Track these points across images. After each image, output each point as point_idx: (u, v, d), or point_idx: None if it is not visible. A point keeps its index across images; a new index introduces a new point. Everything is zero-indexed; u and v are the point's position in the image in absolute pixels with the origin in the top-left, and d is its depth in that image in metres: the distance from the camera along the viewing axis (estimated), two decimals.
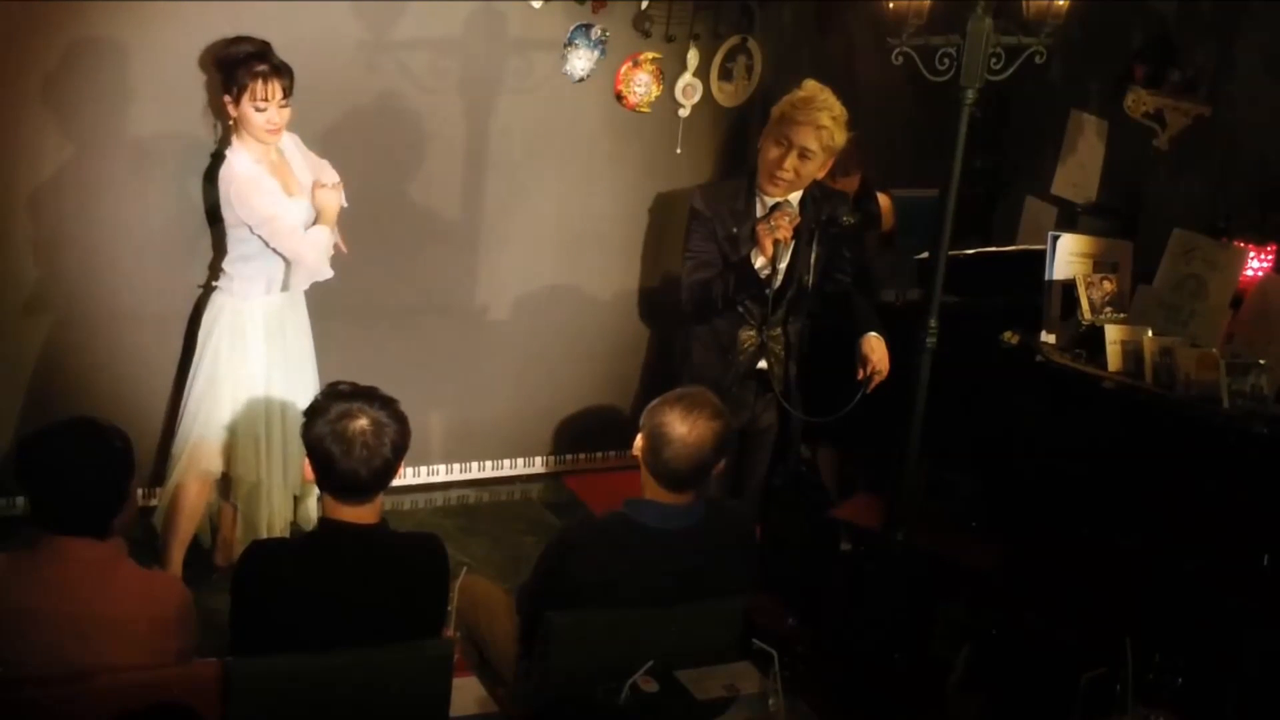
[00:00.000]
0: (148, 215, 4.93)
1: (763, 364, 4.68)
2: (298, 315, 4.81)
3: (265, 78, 4.47)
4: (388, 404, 3.35)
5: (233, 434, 4.68)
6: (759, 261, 4.48)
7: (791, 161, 4.42)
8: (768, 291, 4.54)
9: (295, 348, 4.79)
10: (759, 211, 4.55)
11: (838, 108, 4.44)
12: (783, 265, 4.52)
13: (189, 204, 4.93)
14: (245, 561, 3.33)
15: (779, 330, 4.66)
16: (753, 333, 4.63)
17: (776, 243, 4.43)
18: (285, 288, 4.67)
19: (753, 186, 4.57)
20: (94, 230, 4.89)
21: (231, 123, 4.58)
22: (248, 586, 3.29)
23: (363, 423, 3.26)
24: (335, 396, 3.33)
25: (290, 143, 4.73)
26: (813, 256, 4.58)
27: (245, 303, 4.65)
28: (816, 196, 4.60)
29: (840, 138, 4.45)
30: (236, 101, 4.50)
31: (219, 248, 4.82)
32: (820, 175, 4.56)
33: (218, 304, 4.68)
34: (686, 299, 4.65)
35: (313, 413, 3.31)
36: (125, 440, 3.24)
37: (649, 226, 5.83)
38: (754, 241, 4.49)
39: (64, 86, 4.69)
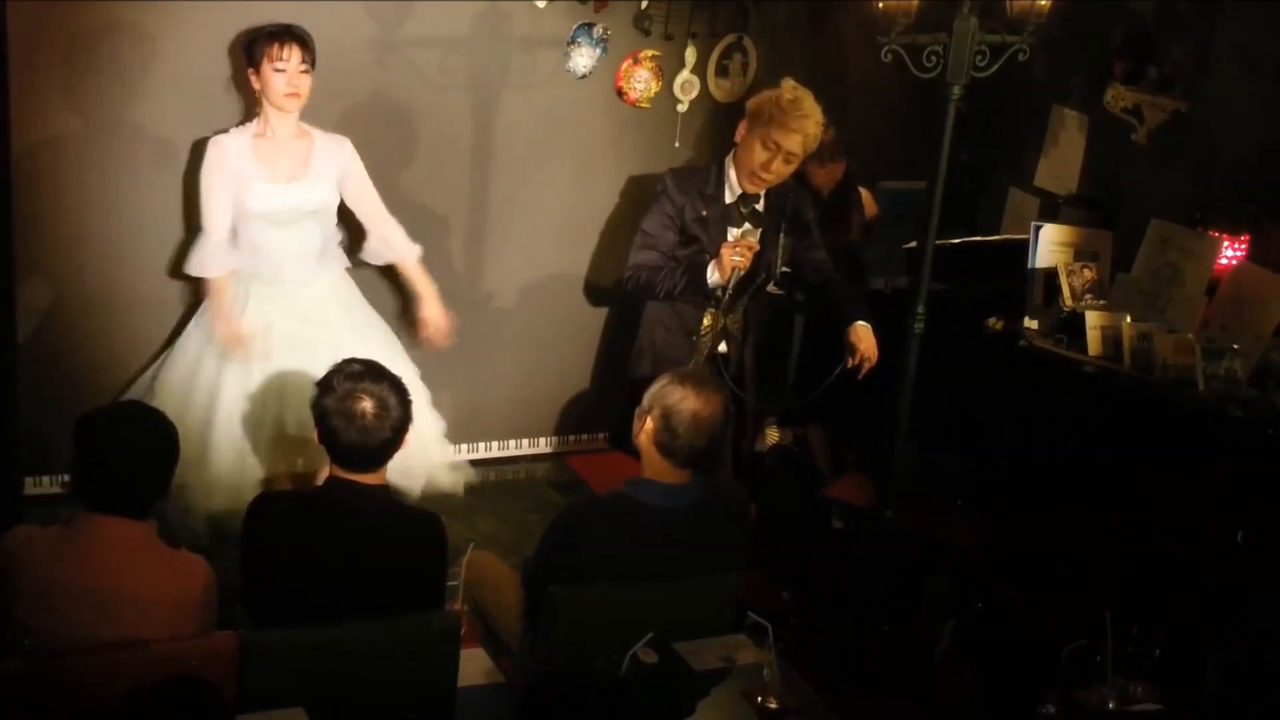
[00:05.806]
0: (167, 207, 5.00)
1: (723, 347, 4.77)
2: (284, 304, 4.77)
3: (283, 41, 4.51)
4: (394, 384, 3.46)
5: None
6: (714, 278, 4.55)
7: (777, 165, 4.53)
8: (719, 293, 4.61)
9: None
10: (728, 198, 4.63)
11: (819, 112, 4.53)
12: (732, 284, 4.57)
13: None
14: (253, 509, 3.48)
15: (738, 315, 4.75)
16: (713, 317, 4.72)
17: (734, 269, 4.51)
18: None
19: (722, 172, 4.66)
20: (115, 220, 4.95)
21: (257, 96, 4.62)
22: (255, 533, 3.44)
23: (367, 404, 3.39)
24: (345, 375, 3.45)
25: (328, 143, 4.75)
26: (780, 246, 4.66)
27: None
28: (782, 190, 4.70)
29: (817, 142, 4.58)
30: (258, 69, 4.54)
31: None
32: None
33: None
34: (628, 278, 4.71)
35: (323, 387, 3.45)
36: (174, 430, 3.35)
37: None
38: (722, 226, 4.56)
39: (84, 79, 4.75)
